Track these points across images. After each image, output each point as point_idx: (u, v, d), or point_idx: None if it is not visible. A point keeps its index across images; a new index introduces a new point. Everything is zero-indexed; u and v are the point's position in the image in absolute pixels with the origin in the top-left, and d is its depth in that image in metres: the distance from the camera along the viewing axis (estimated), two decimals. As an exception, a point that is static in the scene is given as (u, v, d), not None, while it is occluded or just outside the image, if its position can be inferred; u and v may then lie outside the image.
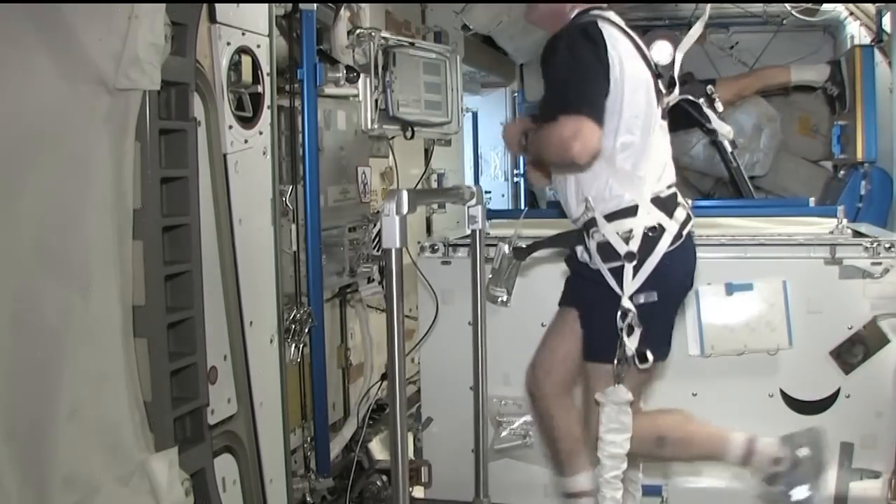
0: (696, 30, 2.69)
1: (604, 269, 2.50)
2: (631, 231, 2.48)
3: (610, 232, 2.49)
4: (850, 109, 4.97)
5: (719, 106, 4.90)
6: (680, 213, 2.54)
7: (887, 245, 3.12)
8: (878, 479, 3.13)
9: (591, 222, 2.53)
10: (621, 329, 2.45)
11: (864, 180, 4.88)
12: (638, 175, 2.50)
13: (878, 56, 4.73)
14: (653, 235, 2.48)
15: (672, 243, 2.50)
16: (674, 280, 2.57)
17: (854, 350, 3.15)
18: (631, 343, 2.45)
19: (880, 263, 3.11)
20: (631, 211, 2.49)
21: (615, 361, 2.48)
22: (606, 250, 2.50)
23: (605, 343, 2.51)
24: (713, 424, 2.74)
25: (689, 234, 2.58)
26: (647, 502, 3.02)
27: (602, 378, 2.56)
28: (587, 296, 2.62)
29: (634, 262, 2.46)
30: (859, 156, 4.91)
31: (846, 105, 5.02)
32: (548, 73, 2.54)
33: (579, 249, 2.62)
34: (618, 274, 2.48)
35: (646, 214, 2.49)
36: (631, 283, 2.46)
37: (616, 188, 2.49)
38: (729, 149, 4.98)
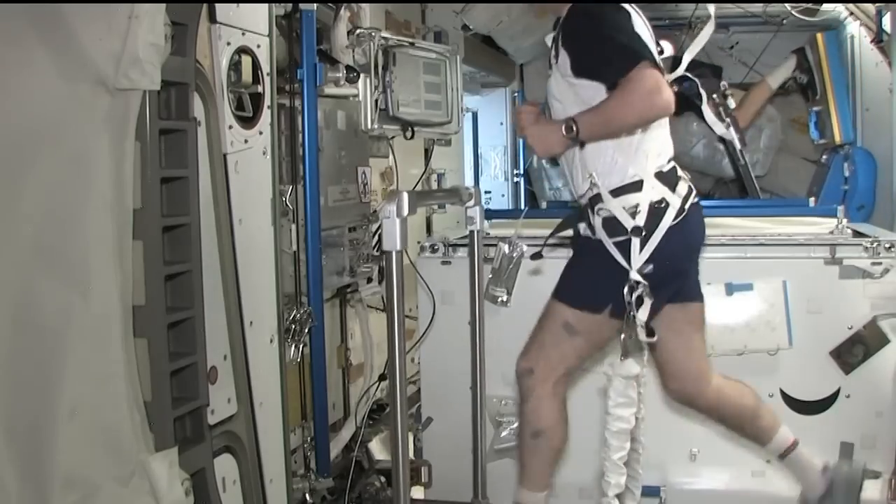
0: (706, 32, 2.69)
1: (608, 243, 2.52)
2: (637, 206, 2.49)
3: (616, 207, 2.50)
4: (821, 95, 5.00)
5: (731, 103, 4.92)
6: (682, 187, 2.56)
7: (887, 245, 3.12)
8: (878, 479, 3.13)
9: (597, 198, 2.54)
10: (629, 303, 2.46)
11: (847, 162, 4.89)
12: (642, 149, 2.51)
13: (878, 56, 4.73)
14: (658, 209, 2.50)
15: (676, 217, 2.51)
16: (678, 253, 2.57)
17: (854, 350, 3.16)
18: (641, 314, 2.45)
19: (880, 263, 3.11)
20: (636, 186, 2.50)
21: (621, 335, 2.49)
22: (612, 225, 2.52)
23: (583, 289, 2.59)
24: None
25: (695, 205, 2.59)
26: (645, 503, 3.02)
27: (556, 318, 2.60)
28: (584, 253, 2.66)
29: (642, 236, 2.47)
30: (837, 139, 4.94)
31: (817, 91, 5.05)
32: (582, 40, 2.48)
33: (581, 226, 2.64)
34: (623, 248, 2.50)
35: (650, 189, 2.50)
36: (638, 257, 2.47)
37: (621, 163, 2.51)
38: (738, 146, 4.99)
